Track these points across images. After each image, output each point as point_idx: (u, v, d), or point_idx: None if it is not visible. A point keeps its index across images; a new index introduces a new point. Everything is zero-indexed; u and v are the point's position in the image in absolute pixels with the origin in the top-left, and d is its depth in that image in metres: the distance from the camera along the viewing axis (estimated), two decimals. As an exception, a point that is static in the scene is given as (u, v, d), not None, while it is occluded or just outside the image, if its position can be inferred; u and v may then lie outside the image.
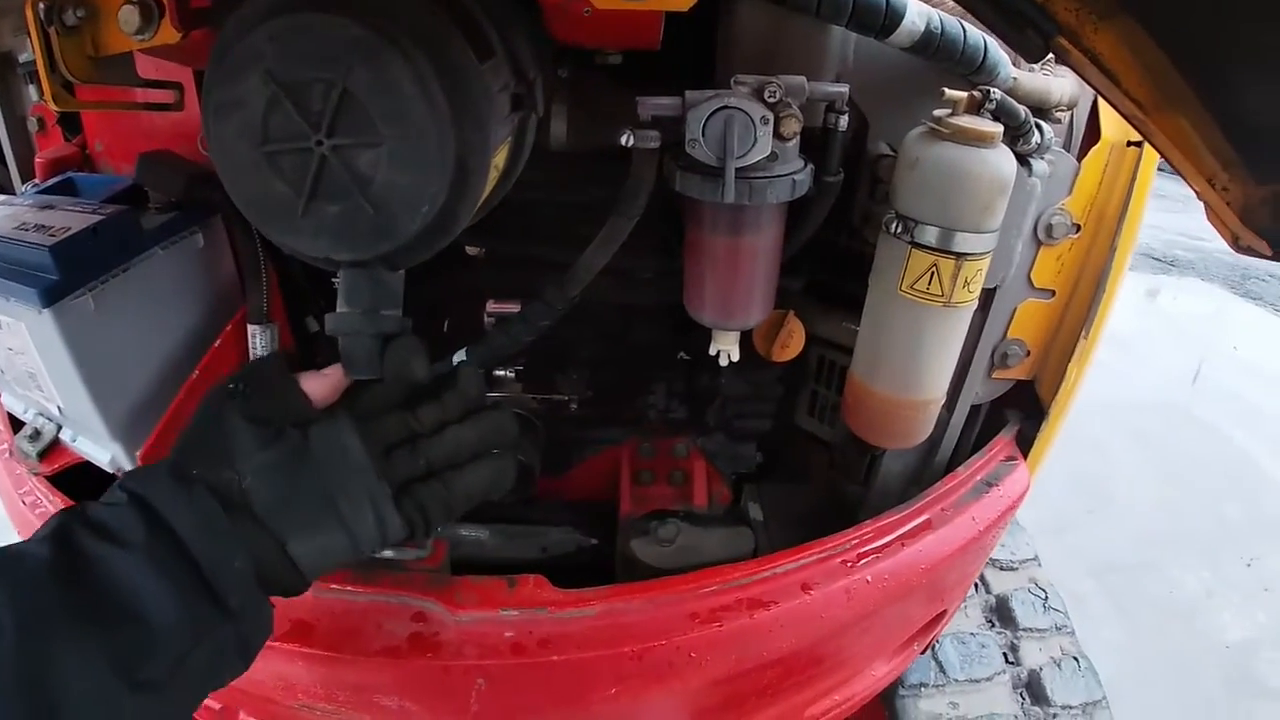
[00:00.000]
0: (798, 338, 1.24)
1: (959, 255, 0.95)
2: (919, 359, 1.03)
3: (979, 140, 0.92)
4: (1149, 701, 2.92)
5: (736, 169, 0.87)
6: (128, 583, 0.62)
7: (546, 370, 1.50)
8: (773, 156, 0.90)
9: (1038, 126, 1.13)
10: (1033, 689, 2.03)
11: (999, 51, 1.01)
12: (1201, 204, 0.85)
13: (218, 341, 1.26)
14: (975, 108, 0.96)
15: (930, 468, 1.38)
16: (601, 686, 1.05)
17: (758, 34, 0.99)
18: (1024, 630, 2.15)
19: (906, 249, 0.97)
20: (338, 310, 0.74)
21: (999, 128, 0.94)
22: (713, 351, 1.10)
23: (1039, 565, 2.38)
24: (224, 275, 1.29)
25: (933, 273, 0.96)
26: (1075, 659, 2.12)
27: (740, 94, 0.88)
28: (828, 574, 1.11)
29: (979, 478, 1.33)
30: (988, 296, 1.24)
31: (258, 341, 1.23)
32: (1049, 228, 1.25)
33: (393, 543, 0.73)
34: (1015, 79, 1.07)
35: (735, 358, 1.11)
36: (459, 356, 1.12)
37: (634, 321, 1.53)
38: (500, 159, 0.81)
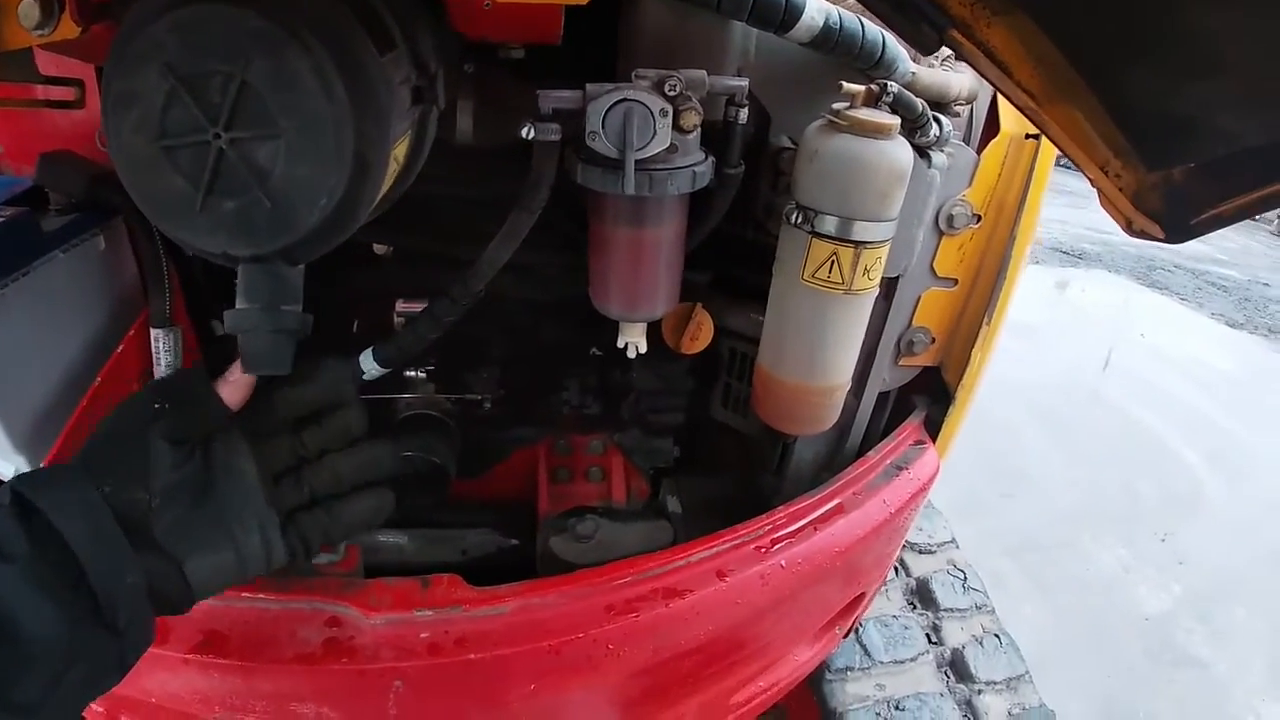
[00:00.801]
0: (706, 330, 1.25)
1: (858, 244, 0.97)
2: (823, 346, 1.05)
3: (876, 132, 0.94)
4: (1073, 674, 3.01)
5: (636, 161, 0.88)
6: (3, 598, 0.59)
7: (458, 369, 1.48)
8: (672, 149, 0.91)
9: (936, 120, 1.15)
10: (956, 667, 2.08)
11: (897, 47, 1.03)
12: (1096, 191, 0.89)
13: (120, 347, 1.21)
14: (873, 101, 0.98)
15: (841, 454, 1.40)
16: (520, 683, 1.04)
17: (659, 28, 1.00)
18: (945, 610, 2.20)
19: (807, 239, 0.99)
20: (236, 306, 0.72)
21: (896, 120, 0.96)
22: (621, 344, 1.10)
23: (956, 547, 2.44)
24: (126, 278, 1.24)
25: (833, 261, 0.98)
26: (996, 636, 2.18)
27: (640, 87, 0.88)
28: (742, 560, 1.13)
29: (889, 461, 1.36)
30: (890, 285, 1.27)
31: (161, 346, 1.19)
32: (950, 218, 1.27)
33: (276, 567, 0.76)
34: (914, 73, 1.10)
35: (643, 349, 1.11)
36: (365, 356, 1.11)
37: (544, 318, 1.52)
38: (400, 152, 0.80)
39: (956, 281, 1.36)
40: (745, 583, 1.11)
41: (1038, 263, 7.66)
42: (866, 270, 1.00)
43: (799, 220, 0.98)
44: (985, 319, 1.36)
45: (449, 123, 1.04)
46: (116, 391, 1.14)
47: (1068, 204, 9.01)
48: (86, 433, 0.72)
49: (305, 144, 0.63)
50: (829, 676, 1.94)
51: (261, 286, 0.72)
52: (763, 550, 1.14)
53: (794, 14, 0.91)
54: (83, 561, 0.62)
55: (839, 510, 1.24)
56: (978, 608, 2.25)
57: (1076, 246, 8.47)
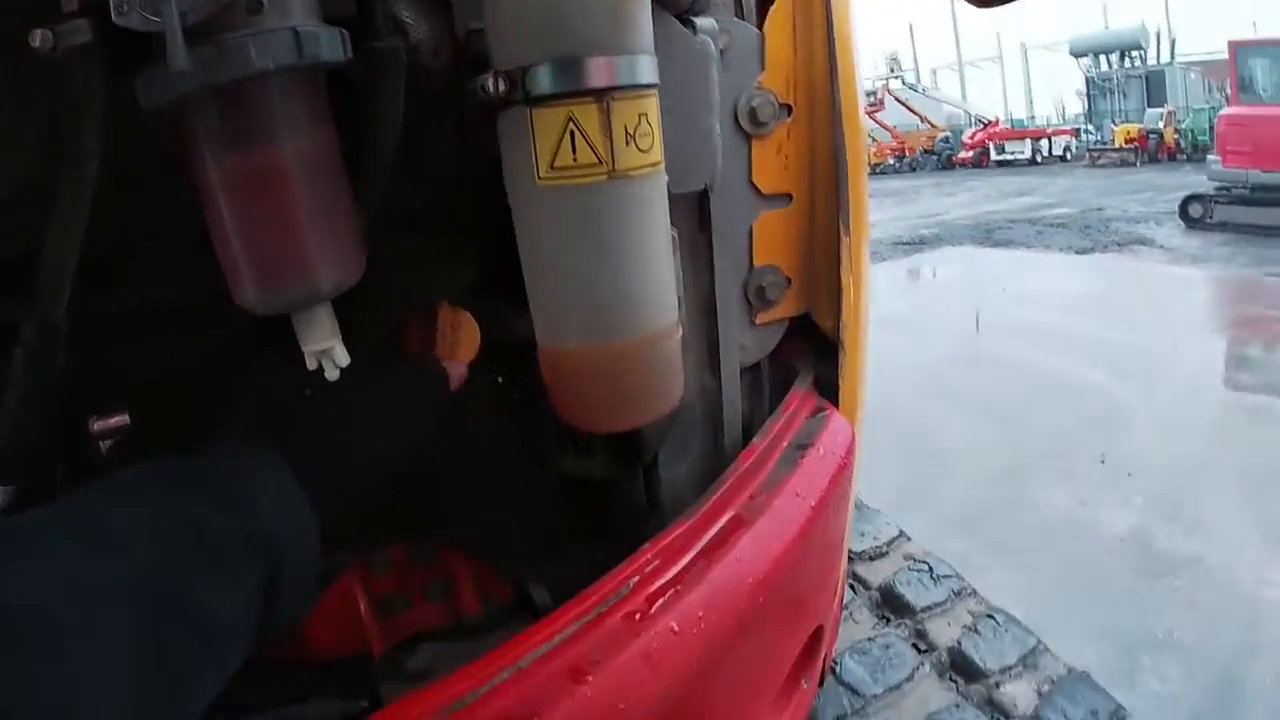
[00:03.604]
0: (469, 337, 0.82)
1: (600, 92, 0.57)
2: (608, 274, 0.62)
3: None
4: (1076, 624, 2.63)
5: (194, 28, 0.47)
6: None
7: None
8: (254, 6, 0.50)
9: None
10: (961, 667, 1.66)
11: None
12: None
13: None
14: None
15: (722, 458, 0.99)
16: None
17: None
18: (923, 611, 1.79)
19: (525, 115, 0.59)
20: None
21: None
22: (312, 364, 0.67)
23: (908, 540, 2.04)
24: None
25: (572, 131, 0.57)
26: (990, 616, 1.78)
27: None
28: (610, 640, 0.67)
29: (785, 444, 0.95)
30: (701, 205, 0.89)
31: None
32: (752, 114, 0.93)
33: None
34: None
35: (342, 360, 0.67)
36: None
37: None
38: None
39: (791, 197, 1.00)
40: (624, 674, 0.66)
41: (883, 260, 7.63)
42: (631, 134, 0.59)
43: (503, 90, 0.58)
44: (842, 228, 0.99)
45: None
46: None
47: (896, 203, 9.21)
48: None
49: None
50: (821, 736, 1.49)
51: None
52: (639, 616, 0.70)
53: None
54: None
55: (736, 524, 0.81)
56: (956, 594, 1.84)
57: (915, 235, 8.54)
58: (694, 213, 0.89)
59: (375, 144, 0.64)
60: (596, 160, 0.58)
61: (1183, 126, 20.77)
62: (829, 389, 1.07)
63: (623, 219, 0.62)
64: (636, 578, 0.73)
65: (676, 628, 0.70)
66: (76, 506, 0.50)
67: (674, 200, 0.74)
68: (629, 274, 0.63)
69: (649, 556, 0.75)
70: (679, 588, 0.73)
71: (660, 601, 0.71)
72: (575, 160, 0.58)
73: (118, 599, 0.45)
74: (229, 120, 0.54)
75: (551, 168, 0.59)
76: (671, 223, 0.86)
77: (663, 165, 0.65)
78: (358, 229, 0.63)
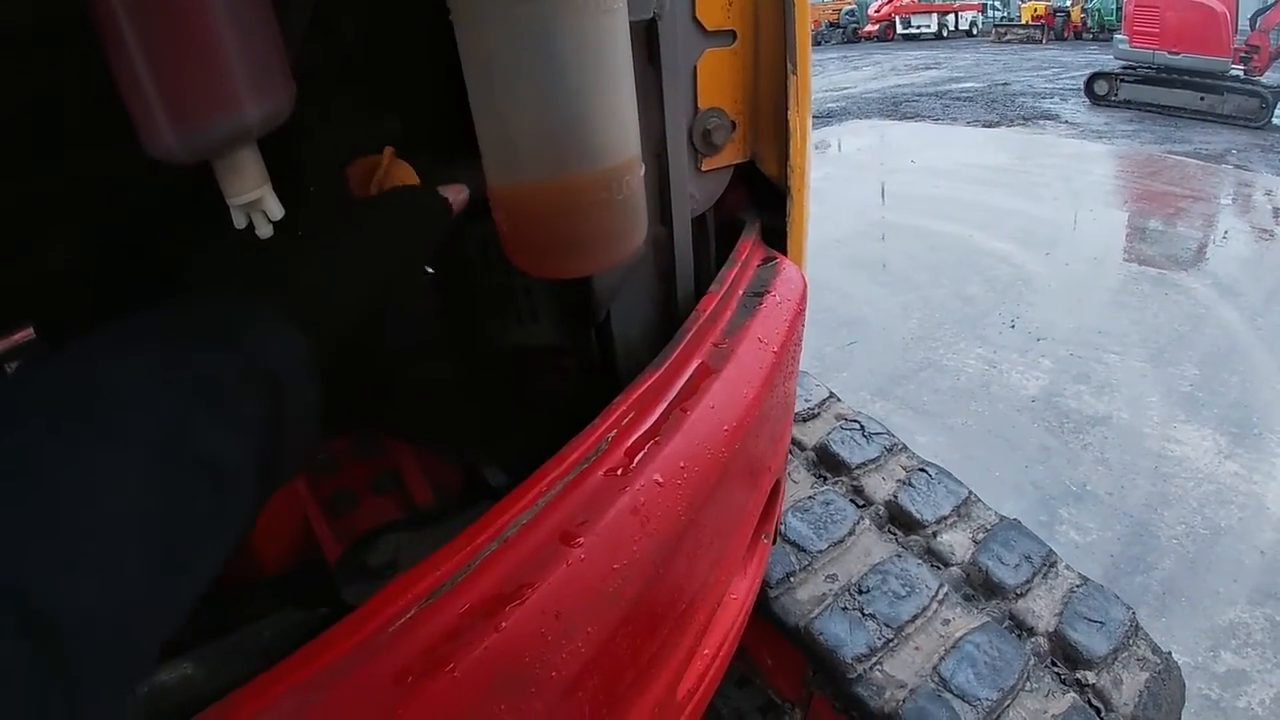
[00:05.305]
0: (403, 180, 0.74)
1: None
2: (569, 92, 0.55)
3: None
4: (994, 479, 2.75)
5: None
6: None
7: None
8: None
9: None
10: (899, 519, 1.69)
11: None
12: None
13: None
14: None
15: (677, 313, 0.94)
16: None
17: None
18: (859, 468, 1.81)
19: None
20: None
21: None
22: (240, 222, 0.58)
23: (839, 401, 2.05)
24: None
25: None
26: (922, 470, 1.81)
27: None
28: (593, 499, 0.63)
29: (741, 292, 0.91)
30: (649, 37, 0.81)
31: None
32: (692, -57, 0.85)
33: None
34: None
35: (275, 213, 0.59)
36: None
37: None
38: None
39: (736, 35, 0.93)
40: (616, 532, 0.62)
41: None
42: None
43: None
44: (789, 66, 0.94)
45: None
46: None
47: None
48: None
49: None
50: (774, 593, 1.50)
51: None
52: (621, 471, 0.66)
53: None
54: None
55: (705, 372, 0.77)
56: (889, 450, 1.87)
57: (822, 109, 8.52)
58: (642, 44, 0.81)
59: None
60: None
61: (1090, 6, 21.11)
62: (773, 238, 1.04)
63: (587, 25, 0.54)
64: (614, 432, 0.68)
65: (661, 480, 0.66)
66: (65, 364, 0.44)
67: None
68: (592, 92, 0.56)
69: (624, 409, 0.70)
70: (657, 439, 0.69)
71: (641, 454, 0.67)
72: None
73: (119, 456, 0.40)
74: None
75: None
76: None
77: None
78: (284, 55, 0.54)
